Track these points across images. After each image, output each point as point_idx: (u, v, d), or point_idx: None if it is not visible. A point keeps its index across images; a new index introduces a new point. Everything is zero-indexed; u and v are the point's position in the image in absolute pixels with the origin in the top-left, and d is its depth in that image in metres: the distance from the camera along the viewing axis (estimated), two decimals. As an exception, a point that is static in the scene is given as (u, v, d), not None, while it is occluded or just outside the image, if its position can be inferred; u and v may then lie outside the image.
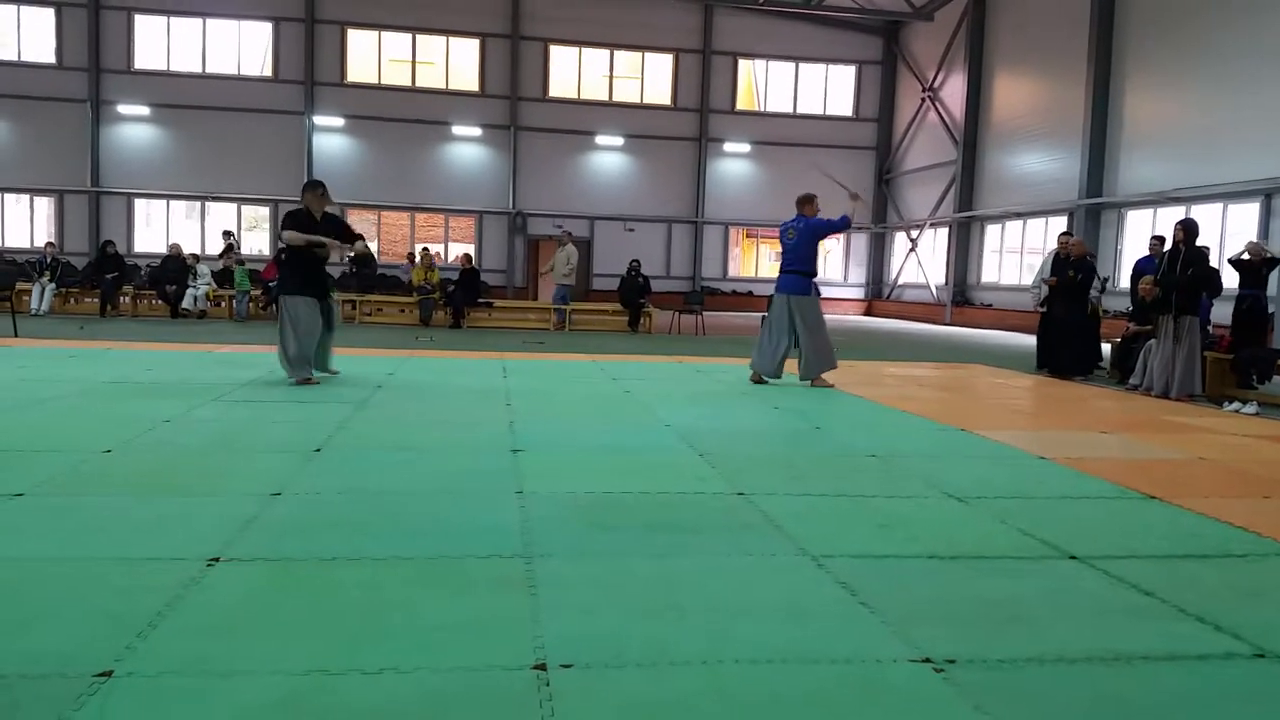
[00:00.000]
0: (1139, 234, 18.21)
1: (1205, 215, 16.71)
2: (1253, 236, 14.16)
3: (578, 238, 27.97)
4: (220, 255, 18.15)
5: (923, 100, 27.04)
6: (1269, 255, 10.99)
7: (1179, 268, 9.01)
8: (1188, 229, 9.14)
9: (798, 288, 8.83)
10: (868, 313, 29.34)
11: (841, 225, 8.89)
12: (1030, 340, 18.18)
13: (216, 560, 3.17)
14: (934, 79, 26.42)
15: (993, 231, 24.19)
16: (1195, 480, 5.20)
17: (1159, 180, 17.63)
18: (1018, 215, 22.60)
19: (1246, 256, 10.95)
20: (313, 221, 8.01)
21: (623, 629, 2.70)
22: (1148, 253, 12.23)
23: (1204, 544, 3.85)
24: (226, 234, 19.09)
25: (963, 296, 24.82)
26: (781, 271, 9.00)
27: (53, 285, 16.39)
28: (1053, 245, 13.38)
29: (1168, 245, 9.68)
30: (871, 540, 3.73)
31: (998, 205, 23.37)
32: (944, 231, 26.03)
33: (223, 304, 17.43)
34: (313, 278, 8.04)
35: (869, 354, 13.51)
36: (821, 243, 9.23)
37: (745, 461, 5.17)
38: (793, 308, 8.79)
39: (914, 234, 27.77)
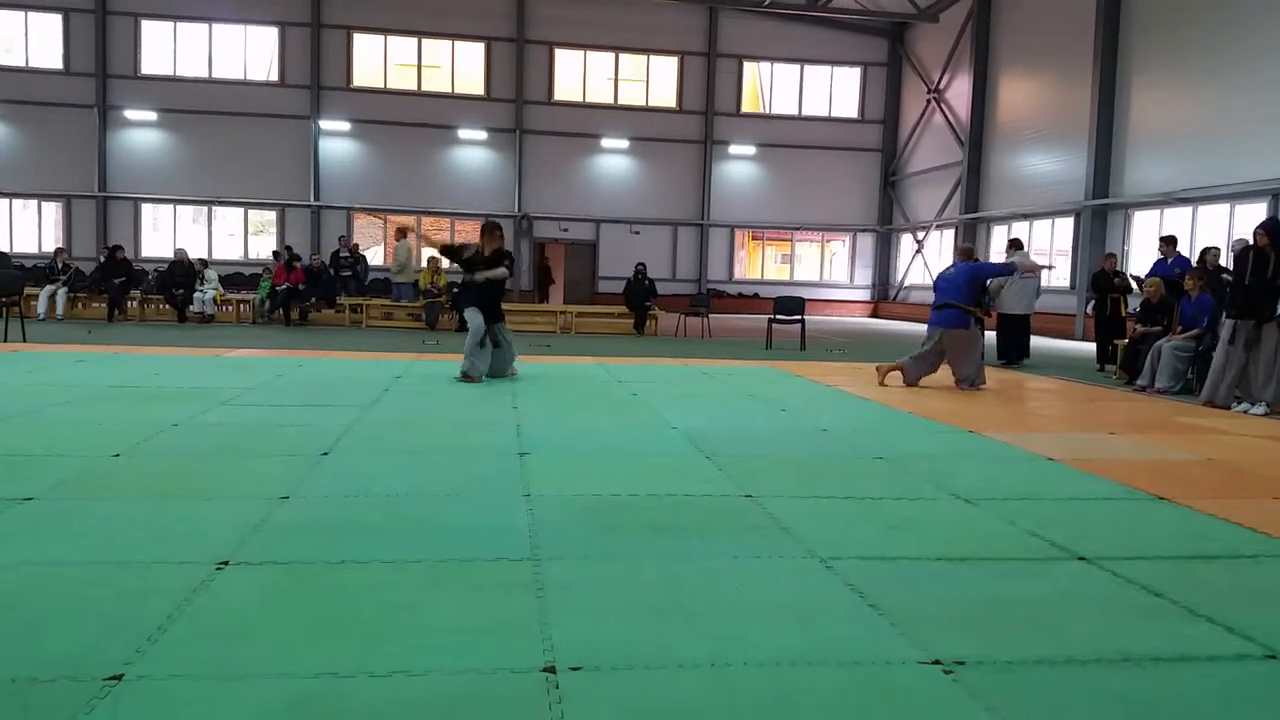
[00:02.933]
0: (1146, 235, 18.17)
1: (1213, 216, 16.68)
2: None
3: (583, 241, 28.09)
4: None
5: (928, 102, 27.00)
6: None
7: (1271, 272, 8.26)
8: (1271, 232, 8.36)
9: (952, 322, 9.34)
10: (874, 314, 29.31)
11: (1005, 270, 10.88)
12: (1039, 341, 18.16)
13: (226, 564, 3.18)
14: (939, 80, 26.39)
15: (999, 233, 24.11)
16: (1204, 481, 5.19)
17: (1166, 181, 17.57)
18: (1024, 216, 22.54)
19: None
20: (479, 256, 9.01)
21: (631, 631, 2.70)
22: (1159, 256, 12.23)
23: (1214, 545, 3.84)
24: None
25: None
26: (936, 308, 9.59)
27: (65, 290, 16.44)
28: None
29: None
30: (880, 542, 3.73)
31: (1004, 207, 23.32)
32: (950, 233, 25.99)
33: (228, 308, 17.49)
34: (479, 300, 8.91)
35: (875, 356, 13.49)
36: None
37: (752, 464, 5.16)
38: (944, 339, 9.38)
39: (920, 235, 27.73)
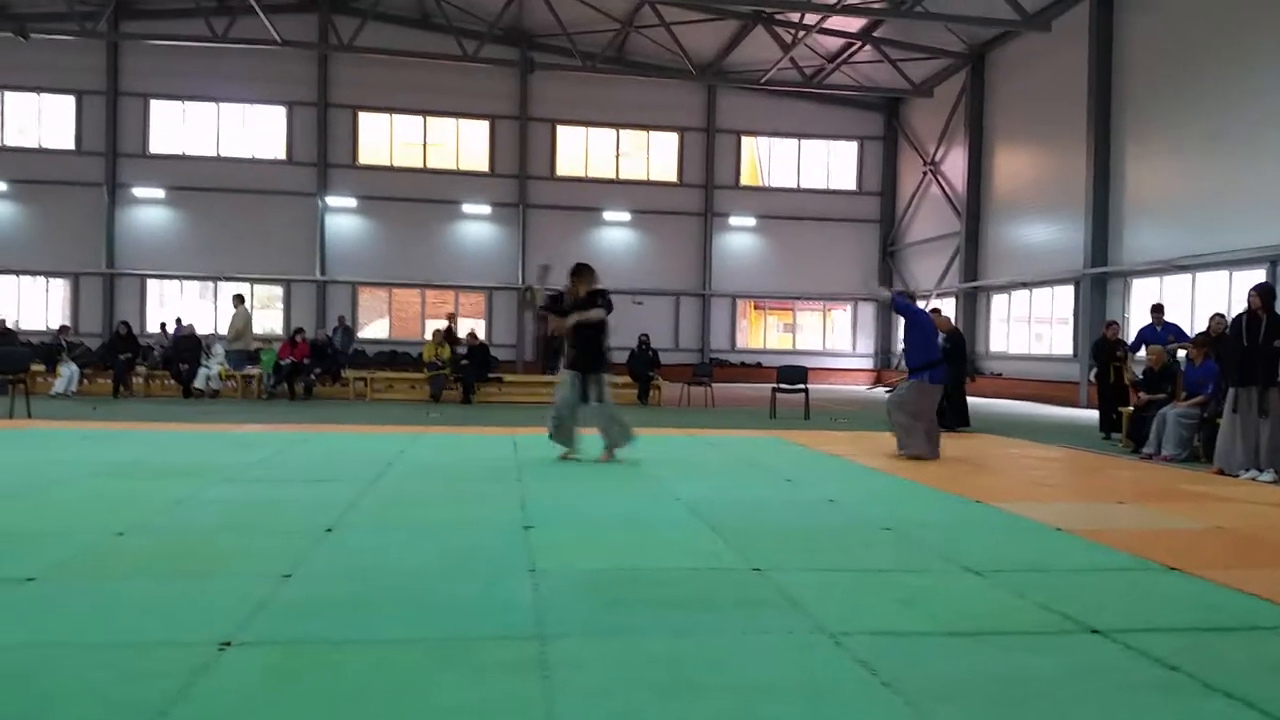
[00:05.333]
0: (1145, 303, 18.25)
1: (1211, 283, 16.78)
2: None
3: (586, 312, 28.21)
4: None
5: (924, 173, 27.41)
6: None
7: (1262, 336, 8.23)
8: (1264, 295, 8.29)
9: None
10: (877, 382, 29.29)
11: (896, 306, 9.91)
12: (1043, 410, 18.16)
13: (228, 644, 3.14)
14: (935, 153, 26.82)
15: (999, 301, 24.28)
16: (1215, 550, 5.14)
17: (1164, 249, 17.71)
18: (1024, 285, 22.70)
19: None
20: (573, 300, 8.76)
21: (638, 711, 2.65)
22: (1149, 322, 12.30)
23: (1228, 616, 3.79)
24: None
25: (972, 366, 24.79)
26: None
27: (76, 367, 16.49)
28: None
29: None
30: (890, 616, 3.68)
31: (1003, 275, 23.49)
32: (950, 302, 26.14)
33: (233, 383, 17.52)
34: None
35: (879, 425, 13.46)
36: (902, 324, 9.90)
37: (759, 535, 5.12)
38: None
39: (920, 304, 27.86)
